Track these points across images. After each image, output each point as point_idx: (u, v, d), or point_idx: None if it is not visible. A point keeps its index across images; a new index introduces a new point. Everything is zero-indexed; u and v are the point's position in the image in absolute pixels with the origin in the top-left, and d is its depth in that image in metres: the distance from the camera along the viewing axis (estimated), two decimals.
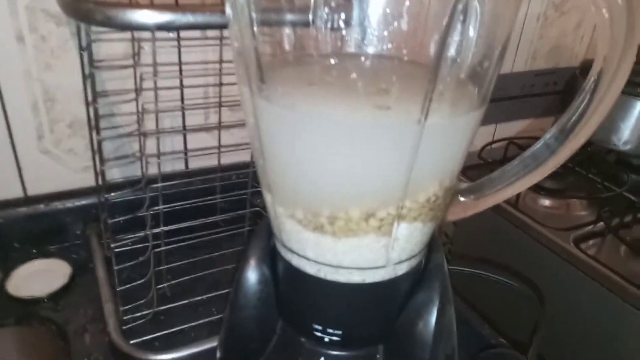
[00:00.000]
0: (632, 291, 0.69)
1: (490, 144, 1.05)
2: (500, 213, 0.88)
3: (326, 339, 0.34)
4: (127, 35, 0.57)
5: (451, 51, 0.24)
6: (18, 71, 0.60)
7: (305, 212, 0.29)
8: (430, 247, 0.35)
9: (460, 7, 0.22)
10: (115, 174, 0.72)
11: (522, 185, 0.30)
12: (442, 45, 0.23)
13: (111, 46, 0.62)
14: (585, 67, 1.05)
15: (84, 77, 0.55)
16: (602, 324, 0.75)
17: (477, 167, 0.97)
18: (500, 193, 0.30)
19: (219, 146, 0.68)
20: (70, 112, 0.66)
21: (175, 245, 0.65)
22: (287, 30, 0.29)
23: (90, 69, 0.43)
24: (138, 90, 0.48)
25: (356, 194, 0.28)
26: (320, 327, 0.33)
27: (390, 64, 0.30)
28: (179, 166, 0.77)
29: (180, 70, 0.65)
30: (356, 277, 0.31)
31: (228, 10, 0.26)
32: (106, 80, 0.64)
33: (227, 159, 0.73)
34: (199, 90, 0.71)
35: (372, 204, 0.28)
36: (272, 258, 0.36)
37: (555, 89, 1.09)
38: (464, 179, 0.95)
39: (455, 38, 0.24)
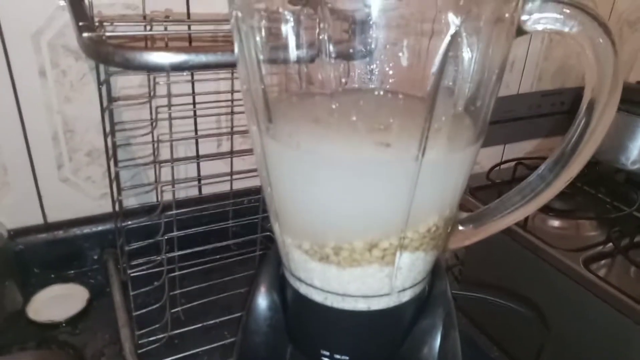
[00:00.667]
0: None
1: (499, 165, 1.06)
2: (510, 234, 0.88)
3: None
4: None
5: (447, 85, 0.26)
6: (40, 104, 0.63)
7: (311, 243, 0.31)
8: (434, 274, 0.36)
9: (450, 52, 0.24)
10: (131, 201, 0.74)
11: (519, 215, 0.31)
12: (436, 84, 0.25)
13: (128, 79, 0.64)
14: None
15: (102, 109, 0.58)
16: (612, 346, 0.74)
17: (486, 188, 0.98)
18: (499, 222, 0.32)
19: (231, 172, 0.71)
20: (88, 142, 0.68)
21: (189, 270, 0.66)
22: (293, 67, 0.31)
23: (107, 103, 0.46)
24: (153, 122, 0.50)
25: (359, 226, 0.29)
26: (327, 353, 0.35)
27: (391, 99, 0.32)
28: (193, 192, 0.80)
29: (194, 101, 0.68)
30: (362, 305, 0.33)
31: (236, 51, 0.28)
32: (123, 111, 0.67)
33: (239, 184, 0.75)
34: (212, 119, 0.74)
35: (375, 236, 0.29)
36: (282, 285, 0.37)
37: (562, 109, 1.10)
38: (472, 199, 0.96)
39: (449, 74, 0.25)
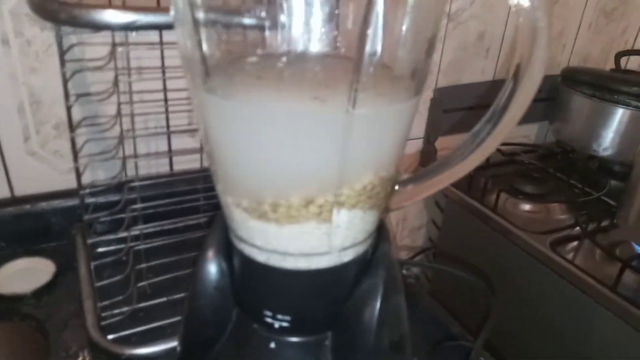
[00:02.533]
0: (603, 292, 0.70)
1: None
2: (480, 217, 0.89)
3: (276, 325, 0.35)
4: (109, 39, 0.59)
5: (375, 46, 0.26)
6: (4, 74, 0.63)
7: (250, 201, 0.31)
8: (379, 236, 0.37)
9: (373, 5, 0.24)
10: (100, 175, 0.74)
11: (455, 172, 0.31)
12: (362, 39, 0.25)
13: (94, 50, 0.64)
14: (567, 75, 1.07)
15: (64, 81, 0.57)
16: (575, 325, 0.76)
17: None
18: (436, 180, 0.32)
19: (201, 148, 0.71)
20: (55, 115, 0.68)
21: (153, 244, 0.66)
22: (235, 31, 0.31)
23: (62, 69, 0.45)
24: (114, 92, 0.50)
25: (295, 181, 0.30)
26: (270, 314, 0.35)
27: (335, 61, 0.32)
28: (164, 169, 0.79)
29: (163, 72, 0.67)
30: (302, 264, 0.33)
31: (171, 11, 0.28)
32: (91, 84, 0.66)
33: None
34: (183, 94, 0.73)
35: (310, 191, 0.30)
36: (229, 248, 0.37)
37: (538, 97, 1.10)
38: None
39: (377, 32, 0.26)
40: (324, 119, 0.27)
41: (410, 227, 1.14)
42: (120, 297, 0.61)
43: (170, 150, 0.77)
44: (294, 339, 0.36)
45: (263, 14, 0.31)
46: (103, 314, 0.60)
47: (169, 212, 0.74)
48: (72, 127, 0.50)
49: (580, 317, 0.75)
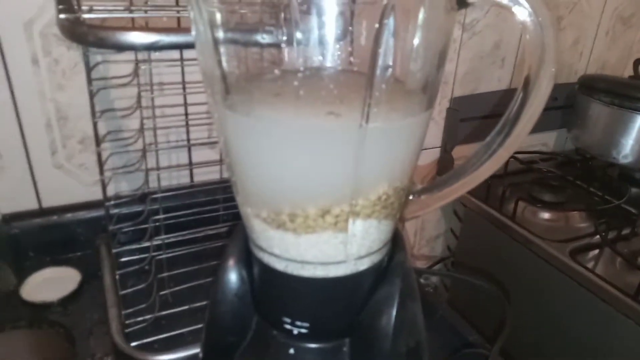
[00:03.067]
0: (624, 301, 0.69)
1: None
2: (499, 226, 0.89)
3: (295, 332, 0.36)
4: (132, 57, 0.61)
5: (387, 62, 0.27)
6: (33, 91, 0.66)
7: (268, 211, 0.32)
8: (394, 245, 0.38)
9: (385, 23, 0.25)
10: (123, 187, 0.76)
11: (468, 182, 0.32)
12: (374, 55, 0.26)
13: (118, 67, 0.66)
14: (585, 83, 1.06)
15: (91, 97, 0.60)
16: (596, 334, 0.75)
17: None
18: (450, 190, 0.33)
19: (221, 160, 0.72)
20: (81, 130, 0.71)
21: (174, 254, 0.68)
22: (253, 49, 0.32)
23: (89, 86, 0.48)
24: (137, 107, 0.52)
25: (311, 192, 0.31)
26: (289, 320, 0.36)
27: (349, 76, 0.33)
28: (185, 180, 0.81)
29: (184, 88, 0.69)
30: (320, 272, 0.34)
31: (193, 32, 0.30)
32: (115, 100, 0.69)
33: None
34: (203, 108, 0.76)
35: (327, 202, 0.31)
36: (249, 257, 0.39)
37: (555, 105, 1.11)
38: None
39: (389, 48, 0.27)
40: (338, 134, 0.29)
41: (428, 237, 1.14)
42: (143, 305, 0.63)
43: (190, 162, 0.79)
44: (312, 345, 0.37)
45: (279, 32, 0.32)
46: (127, 322, 0.62)
47: (190, 222, 0.76)
48: (97, 142, 0.52)
49: (601, 326, 0.74)
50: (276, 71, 0.33)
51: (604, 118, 1.01)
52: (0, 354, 0.64)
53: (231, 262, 0.39)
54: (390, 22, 0.25)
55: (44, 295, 0.67)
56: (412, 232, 1.12)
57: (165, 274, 0.67)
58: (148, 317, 0.63)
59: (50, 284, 0.69)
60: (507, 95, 1.04)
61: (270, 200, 0.32)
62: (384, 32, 0.25)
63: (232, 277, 0.39)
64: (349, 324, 0.36)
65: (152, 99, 0.52)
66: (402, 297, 0.36)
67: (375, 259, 0.36)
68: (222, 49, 0.31)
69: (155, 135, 0.56)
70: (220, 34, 0.30)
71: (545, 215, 0.91)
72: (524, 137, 0.30)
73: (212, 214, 0.78)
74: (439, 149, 1.04)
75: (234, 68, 0.31)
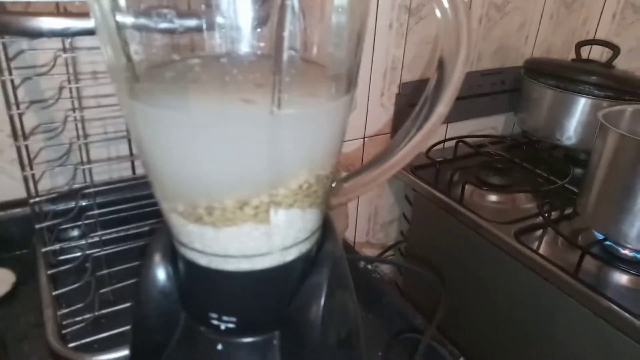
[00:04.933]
0: (565, 279, 0.71)
1: (440, 143, 1.07)
2: (448, 210, 0.90)
3: (223, 327, 0.35)
4: (56, 45, 0.58)
5: (295, 45, 0.26)
6: None
7: (185, 206, 0.31)
8: (325, 234, 0.37)
9: (287, 4, 0.24)
10: (60, 181, 0.73)
11: (389, 168, 0.31)
12: (279, 39, 0.25)
13: (47, 55, 0.63)
14: (530, 67, 1.08)
15: (6, 95, 0.56)
16: (539, 313, 0.77)
17: (426, 167, 1.00)
18: (372, 176, 0.32)
19: None
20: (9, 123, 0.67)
21: (114, 250, 0.66)
22: (164, 34, 0.30)
23: (8, 75, 0.45)
24: (59, 98, 0.49)
25: (227, 184, 0.30)
26: (215, 316, 0.35)
27: (265, 62, 0.32)
28: (127, 173, 0.79)
29: None
30: (244, 265, 0.33)
31: (91, 17, 0.28)
32: (45, 90, 0.65)
33: None
34: None
35: (244, 193, 0.30)
36: (174, 254, 0.37)
37: (503, 88, 1.12)
38: (412, 177, 0.97)
39: (296, 31, 0.26)
40: (250, 121, 0.27)
41: (382, 222, 1.14)
42: (81, 305, 0.60)
43: (131, 154, 0.76)
44: (241, 340, 0.35)
45: (194, 18, 0.30)
46: (64, 322, 0.60)
47: (133, 217, 0.73)
48: (15, 135, 0.49)
49: (544, 305, 0.76)
50: (189, 57, 0.31)
51: (548, 100, 1.03)
52: None
53: (155, 259, 0.37)
54: (294, 2, 0.24)
55: None
56: (366, 217, 1.12)
57: (105, 272, 0.65)
58: (87, 316, 0.61)
59: None
60: (475, 76, 1.05)
61: (185, 194, 0.31)
62: (287, 17, 0.24)
63: (157, 274, 0.37)
64: (278, 316, 0.36)
65: (78, 89, 0.50)
66: (330, 286, 0.35)
67: (303, 248, 0.35)
68: (127, 35, 0.29)
69: (83, 127, 0.53)
70: (124, 19, 0.28)
71: (492, 197, 0.92)
72: (440, 122, 0.30)
73: (154, 207, 0.75)
74: (389, 135, 1.04)
75: (140, 56, 0.29)
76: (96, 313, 0.61)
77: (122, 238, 0.70)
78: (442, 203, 0.91)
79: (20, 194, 0.71)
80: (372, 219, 1.13)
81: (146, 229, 0.74)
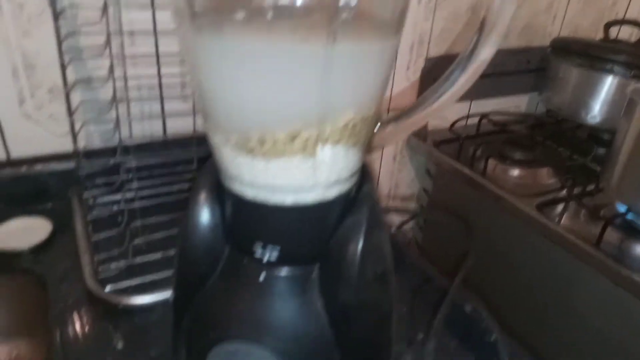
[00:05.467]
0: (587, 250, 0.72)
1: (463, 118, 1.08)
2: (470, 183, 0.91)
3: (266, 258, 0.37)
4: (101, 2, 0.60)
5: None
6: None
7: (237, 137, 0.33)
8: (363, 177, 0.39)
9: None
10: (95, 140, 0.75)
11: (432, 110, 0.33)
12: None
13: (86, 14, 0.65)
14: (557, 45, 1.08)
15: (59, 42, 0.58)
16: (559, 282, 0.78)
17: (450, 142, 1.00)
18: (415, 118, 0.34)
19: (194, 111, 0.72)
20: (49, 79, 0.69)
21: (148, 204, 0.68)
22: None
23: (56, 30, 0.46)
24: (106, 49, 0.51)
25: (280, 116, 0.31)
26: (260, 247, 0.37)
27: (315, 8, 0.33)
28: (157, 134, 0.80)
29: (155, 30, 0.68)
30: (289, 199, 0.35)
31: None
32: (84, 48, 0.67)
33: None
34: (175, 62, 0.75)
35: (295, 126, 0.31)
36: (219, 189, 0.39)
37: (528, 67, 1.12)
38: (436, 151, 0.98)
39: None
40: (305, 55, 0.29)
41: (402, 196, 1.16)
42: (116, 252, 0.63)
43: (163, 112, 0.78)
44: (282, 272, 0.37)
45: None
46: (100, 268, 0.62)
47: (164, 175, 0.76)
48: (65, 81, 0.51)
49: (565, 276, 0.77)
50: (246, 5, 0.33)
51: (574, 79, 1.03)
52: None
53: (201, 195, 0.39)
54: None
55: (15, 243, 0.66)
56: (386, 191, 1.13)
57: (138, 223, 0.68)
58: (121, 263, 0.64)
59: (20, 233, 0.69)
60: (500, 54, 1.05)
61: (239, 125, 0.32)
62: None
63: (203, 208, 0.39)
64: (318, 250, 0.37)
65: (122, 44, 0.51)
66: (369, 225, 0.37)
67: (343, 188, 0.36)
68: None
69: (126, 82, 0.55)
70: None
71: (515, 172, 0.93)
72: (483, 67, 0.31)
73: (185, 166, 0.78)
74: None
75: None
76: (130, 261, 0.64)
77: (153, 194, 0.72)
78: (465, 176, 0.92)
79: (56, 148, 0.74)
80: (392, 192, 1.14)
81: (176, 187, 0.76)
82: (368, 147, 0.36)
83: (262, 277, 0.37)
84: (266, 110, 0.31)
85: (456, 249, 0.78)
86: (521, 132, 1.07)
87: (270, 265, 0.37)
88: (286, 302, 0.38)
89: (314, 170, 0.34)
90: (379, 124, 0.35)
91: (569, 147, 1.01)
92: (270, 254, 0.37)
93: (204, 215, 0.39)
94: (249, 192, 0.35)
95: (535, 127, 1.12)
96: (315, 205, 0.35)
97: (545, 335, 0.83)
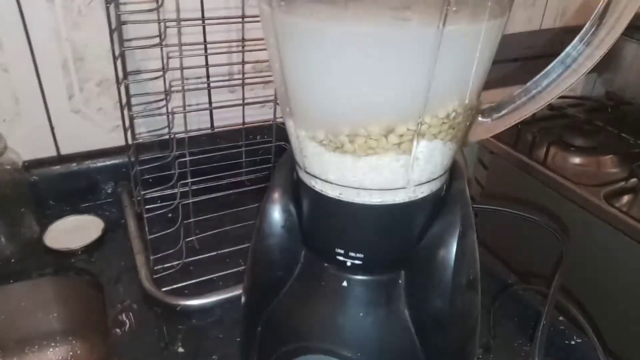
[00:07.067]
0: None
1: None
2: (529, 172, 0.87)
3: (348, 263, 0.34)
4: None
5: None
6: (48, 30, 0.62)
7: (326, 132, 0.30)
8: (452, 174, 0.35)
9: None
10: (145, 134, 0.73)
11: (540, 101, 0.29)
12: None
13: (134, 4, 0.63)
14: None
15: (111, 32, 0.56)
16: (632, 275, 0.74)
17: None
18: (521, 110, 0.30)
19: (243, 100, 0.69)
20: (98, 71, 0.67)
21: (199, 200, 0.66)
22: None
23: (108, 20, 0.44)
24: (162, 40, 0.49)
25: (375, 108, 0.28)
26: (342, 251, 0.34)
27: None
28: (205, 124, 0.78)
29: (203, 18, 0.65)
30: (376, 199, 0.32)
31: None
32: (133, 40, 0.65)
33: (251, 118, 0.75)
34: (223, 48, 0.72)
35: (392, 119, 0.28)
36: (295, 189, 0.36)
37: None
38: (491, 137, 0.94)
39: None
40: (412, 38, 0.26)
41: None
42: (171, 251, 0.61)
43: (210, 103, 0.76)
44: (366, 278, 0.34)
45: None
46: (154, 268, 0.61)
47: (213, 169, 0.73)
48: (126, 74, 0.49)
49: (634, 267, 0.73)
50: None
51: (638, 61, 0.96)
52: (28, 301, 0.63)
53: (277, 195, 0.36)
54: None
55: (68, 243, 0.65)
56: None
57: (191, 220, 0.65)
58: (176, 263, 0.62)
59: (73, 232, 0.68)
60: (538, 36, 0.99)
61: (328, 119, 0.29)
62: None
63: (279, 209, 0.36)
64: (405, 254, 0.34)
65: (179, 33, 0.48)
66: (463, 226, 0.33)
67: (434, 186, 0.33)
68: None
69: (182, 73, 0.52)
70: None
71: (577, 160, 0.88)
72: (612, 41, 0.27)
73: (234, 160, 0.75)
74: None
75: None
76: (184, 260, 0.62)
77: (203, 190, 0.70)
78: (523, 165, 0.87)
79: (104, 143, 0.73)
80: None
81: (224, 181, 0.74)
82: (464, 141, 0.33)
83: (345, 283, 0.35)
84: (360, 101, 0.28)
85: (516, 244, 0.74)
86: (579, 116, 1.01)
87: (353, 270, 0.34)
88: (371, 310, 0.35)
89: (407, 168, 0.30)
90: (480, 117, 0.31)
91: (631, 133, 0.95)
92: (353, 258, 0.34)
93: (280, 215, 0.36)
94: (332, 192, 0.32)
95: (593, 110, 1.06)
96: (404, 205, 0.32)
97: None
